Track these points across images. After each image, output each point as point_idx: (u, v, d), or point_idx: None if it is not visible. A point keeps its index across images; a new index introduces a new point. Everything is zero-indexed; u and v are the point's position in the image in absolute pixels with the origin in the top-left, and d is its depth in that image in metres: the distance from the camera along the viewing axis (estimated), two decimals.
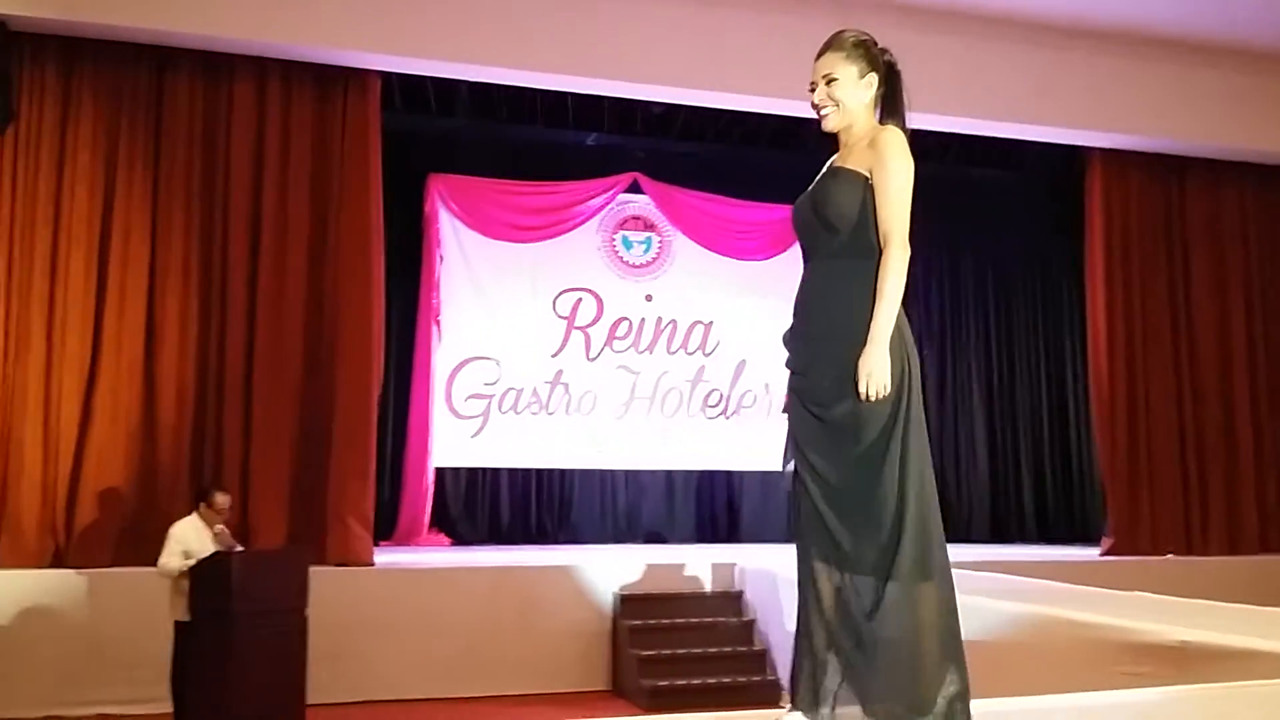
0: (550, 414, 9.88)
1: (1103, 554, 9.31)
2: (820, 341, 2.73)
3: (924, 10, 8.45)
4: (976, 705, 2.66)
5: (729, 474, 10.50)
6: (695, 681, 7.16)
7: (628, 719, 6.71)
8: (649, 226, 10.39)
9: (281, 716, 5.63)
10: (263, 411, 7.59)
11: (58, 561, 7.09)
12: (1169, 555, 9.25)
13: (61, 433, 7.25)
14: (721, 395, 10.30)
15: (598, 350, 10.06)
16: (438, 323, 9.65)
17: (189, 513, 6.25)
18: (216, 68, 7.74)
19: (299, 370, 7.74)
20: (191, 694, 5.69)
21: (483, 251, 9.82)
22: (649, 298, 10.28)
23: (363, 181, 7.92)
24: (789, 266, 10.71)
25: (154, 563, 6.01)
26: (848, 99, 2.81)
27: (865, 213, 2.71)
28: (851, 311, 2.68)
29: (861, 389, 2.60)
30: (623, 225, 10.31)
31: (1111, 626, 4.22)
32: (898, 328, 2.66)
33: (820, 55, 2.83)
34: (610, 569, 7.83)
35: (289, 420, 7.66)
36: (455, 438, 9.63)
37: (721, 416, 10.26)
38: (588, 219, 10.05)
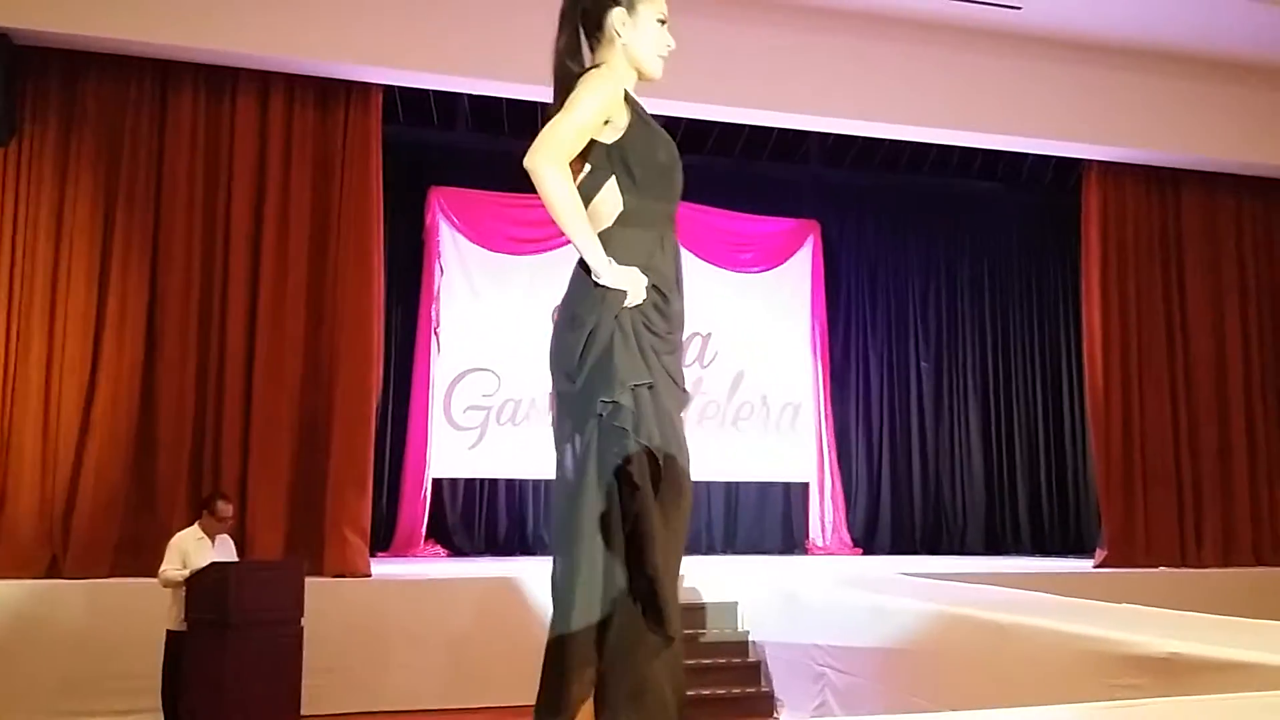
0: (549, 426, 9.87)
1: (1096, 566, 9.34)
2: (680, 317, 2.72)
3: (919, 23, 8.52)
4: (966, 715, 2.69)
5: (726, 485, 10.54)
6: (689, 693, 7.16)
7: None
8: None
9: None
10: (262, 422, 7.60)
11: (55, 572, 7.08)
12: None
13: (60, 443, 7.26)
14: (719, 406, 10.33)
15: None
16: (437, 334, 9.68)
17: (189, 522, 6.28)
18: (220, 81, 7.79)
19: (298, 381, 7.76)
20: (187, 704, 5.71)
21: (482, 264, 9.85)
22: None
23: (364, 194, 7.96)
24: (786, 278, 10.76)
25: (152, 573, 6.04)
26: None
27: None
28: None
29: None
30: None
31: (1101, 639, 4.25)
32: None
33: None
34: None
35: (288, 431, 7.67)
36: (453, 449, 9.65)
37: (718, 427, 10.29)
38: None
